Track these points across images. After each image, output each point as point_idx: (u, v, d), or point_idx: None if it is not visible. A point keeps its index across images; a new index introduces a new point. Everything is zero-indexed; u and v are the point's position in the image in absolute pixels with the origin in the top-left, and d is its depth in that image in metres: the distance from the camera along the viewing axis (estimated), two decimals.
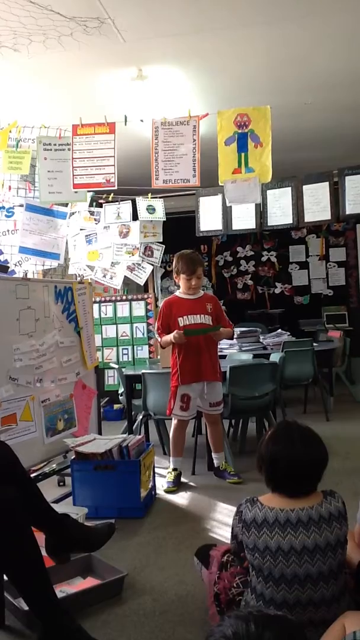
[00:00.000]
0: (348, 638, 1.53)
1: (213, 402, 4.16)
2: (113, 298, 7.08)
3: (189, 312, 4.13)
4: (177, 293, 4.30)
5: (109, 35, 3.75)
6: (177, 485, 4.12)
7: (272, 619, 1.01)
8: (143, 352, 6.96)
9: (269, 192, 5.23)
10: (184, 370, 4.08)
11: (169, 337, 4.06)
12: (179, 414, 4.16)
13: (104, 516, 3.30)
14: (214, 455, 4.32)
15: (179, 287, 4.28)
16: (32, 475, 3.46)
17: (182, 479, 4.24)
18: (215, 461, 4.31)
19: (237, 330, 6.13)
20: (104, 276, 5.74)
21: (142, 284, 6.31)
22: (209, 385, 4.12)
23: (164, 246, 5.83)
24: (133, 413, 5.12)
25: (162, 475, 4.28)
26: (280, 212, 5.24)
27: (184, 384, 4.09)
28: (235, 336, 6.04)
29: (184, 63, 4.34)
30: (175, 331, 4.02)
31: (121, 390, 5.47)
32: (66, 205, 4.80)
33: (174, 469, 4.23)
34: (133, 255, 5.67)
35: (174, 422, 4.24)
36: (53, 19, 3.47)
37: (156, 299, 7.42)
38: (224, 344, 5.76)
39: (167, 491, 4.05)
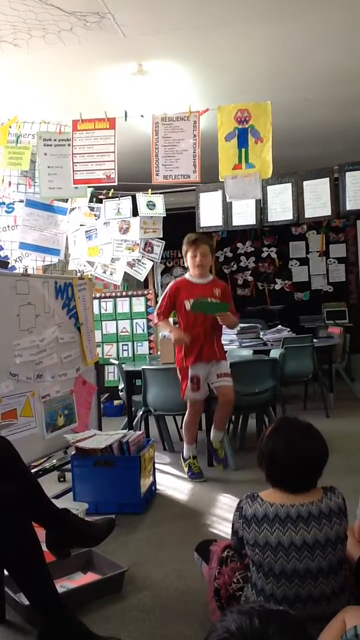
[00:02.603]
0: (349, 633, 1.53)
1: (220, 373, 4.14)
2: (113, 294, 7.08)
3: (196, 296, 4.13)
4: (187, 276, 4.31)
5: (109, 30, 3.74)
6: (203, 473, 4.17)
7: (275, 614, 1.01)
8: (143, 348, 6.97)
9: (269, 188, 5.22)
10: (188, 353, 4.10)
11: (169, 330, 4.08)
12: (191, 396, 4.14)
13: (104, 512, 3.30)
14: (212, 430, 4.30)
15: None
16: (33, 470, 3.46)
17: (183, 475, 4.25)
18: (211, 435, 4.30)
19: (239, 326, 6.12)
20: (104, 272, 5.74)
21: (142, 280, 6.31)
22: (216, 363, 4.15)
23: (164, 242, 5.83)
24: (133, 409, 5.12)
25: (163, 471, 4.29)
26: (280, 208, 5.23)
27: (190, 365, 4.10)
28: (235, 332, 6.03)
29: (184, 58, 4.33)
30: (180, 333, 4.04)
31: (121, 386, 5.47)
32: (66, 201, 4.79)
33: (194, 457, 4.23)
34: (133, 251, 5.66)
35: (188, 409, 4.21)
36: (53, 14, 3.46)
37: (156, 295, 7.41)
38: (224, 339, 5.76)
39: (200, 481, 4.10)
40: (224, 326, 4.31)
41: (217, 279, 4.39)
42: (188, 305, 4.11)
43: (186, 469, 4.23)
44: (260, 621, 0.96)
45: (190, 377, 4.11)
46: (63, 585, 2.55)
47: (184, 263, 4.31)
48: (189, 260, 4.21)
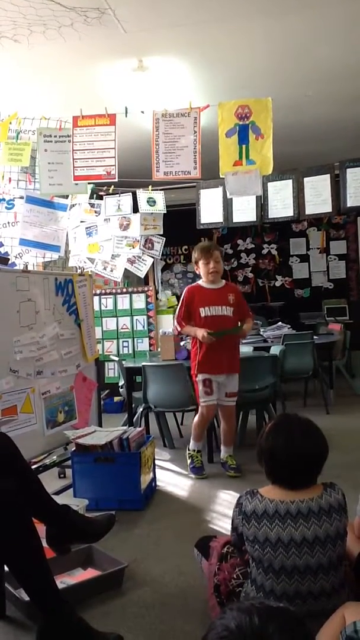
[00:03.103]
0: (348, 628, 1.53)
1: (229, 393, 4.18)
2: (113, 290, 7.08)
3: (211, 303, 4.14)
4: (200, 282, 4.32)
5: (109, 26, 3.73)
6: (204, 470, 4.19)
7: (275, 611, 1.00)
8: (143, 345, 6.97)
9: (270, 185, 5.22)
10: (204, 362, 4.10)
11: (194, 332, 4.10)
12: (205, 400, 4.15)
13: (104, 508, 3.31)
14: (222, 447, 4.33)
15: (180, 281, 4.28)
16: (33, 467, 3.47)
17: (183, 471, 4.26)
18: (221, 453, 4.32)
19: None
20: (105, 269, 5.73)
21: (142, 277, 6.30)
22: (228, 377, 4.16)
23: (164, 239, 5.82)
24: (133, 405, 5.13)
25: (163, 468, 4.29)
26: (281, 205, 5.23)
27: (202, 372, 4.11)
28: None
29: (184, 54, 4.31)
30: (203, 331, 4.02)
31: (121, 382, 5.48)
32: (66, 197, 4.79)
33: (198, 451, 4.26)
34: (133, 247, 5.66)
35: (200, 410, 4.22)
36: (53, 9, 3.45)
37: (156, 292, 7.41)
38: None
39: (200, 478, 4.11)
40: None
41: (230, 284, 4.42)
42: (203, 312, 4.13)
43: (189, 461, 4.24)
44: (260, 619, 0.96)
45: (202, 381, 4.13)
46: (63, 581, 2.55)
47: (184, 260, 4.31)
48: (201, 268, 4.22)
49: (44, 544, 2.22)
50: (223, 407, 4.24)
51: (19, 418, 3.31)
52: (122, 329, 7.04)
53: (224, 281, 4.32)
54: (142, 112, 3.90)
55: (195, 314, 4.15)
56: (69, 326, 3.97)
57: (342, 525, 1.91)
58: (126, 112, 3.89)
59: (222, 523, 3.25)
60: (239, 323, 4.16)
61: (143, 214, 5.54)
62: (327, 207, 5.00)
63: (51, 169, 4.12)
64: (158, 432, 5.06)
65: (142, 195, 5.54)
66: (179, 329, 4.28)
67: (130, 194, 5.49)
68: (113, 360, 6.35)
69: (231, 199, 5.20)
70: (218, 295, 4.18)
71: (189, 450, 4.30)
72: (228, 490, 3.83)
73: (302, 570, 1.87)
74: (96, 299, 6.73)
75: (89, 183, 4.43)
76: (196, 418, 4.28)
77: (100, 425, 4.26)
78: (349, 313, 8.86)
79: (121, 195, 5.47)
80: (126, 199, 5.46)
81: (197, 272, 4.33)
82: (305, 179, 5.09)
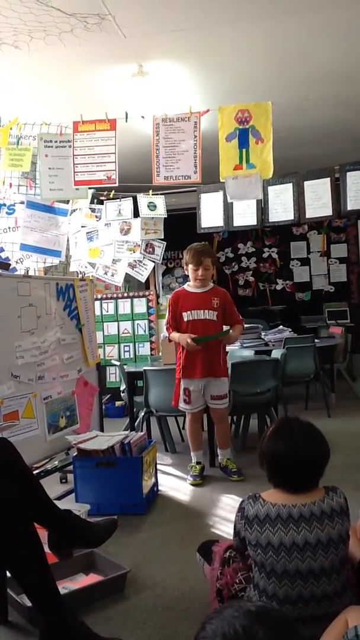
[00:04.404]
0: (350, 632, 1.53)
1: (214, 395, 4.14)
2: (114, 295, 7.08)
3: (194, 307, 4.13)
4: (186, 286, 4.31)
5: (109, 31, 3.75)
6: (201, 478, 4.15)
7: (258, 616, 0.96)
8: (145, 349, 6.97)
9: (270, 189, 5.22)
10: (187, 365, 4.10)
11: (178, 339, 4.10)
12: (182, 406, 4.19)
13: (106, 513, 3.29)
14: (218, 451, 4.31)
15: (181, 284, 4.29)
16: (34, 472, 3.46)
17: (185, 476, 4.25)
18: (219, 457, 4.30)
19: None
20: (105, 273, 5.74)
21: (143, 281, 6.31)
22: (212, 381, 4.13)
23: (165, 243, 5.83)
24: (135, 410, 5.12)
25: (165, 472, 4.29)
26: (281, 208, 5.23)
27: (185, 378, 4.11)
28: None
29: (184, 59, 4.33)
30: (187, 338, 4.01)
31: (123, 387, 5.48)
32: (67, 202, 4.80)
33: (197, 463, 4.25)
34: (134, 252, 5.67)
35: (187, 416, 4.27)
36: (53, 16, 3.47)
37: (157, 296, 7.42)
38: None
39: (193, 484, 4.08)
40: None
41: (217, 287, 4.34)
42: (186, 317, 4.12)
43: (190, 472, 4.24)
44: (247, 623, 0.93)
45: (182, 389, 4.15)
46: (65, 586, 2.55)
47: (183, 265, 4.30)
48: (190, 272, 4.19)
49: (46, 549, 2.22)
50: (212, 410, 4.23)
51: (20, 423, 3.31)
52: (123, 333, 7.04)
53: (211, 284, 4.28)
54: (143, 117, 3.91)
55: (181, 318, 4.15)
56: (70, 331, 3.97)
57: (344, 528, 1.91)
58: (126, 117, 3.90)
59: (225, 527, 3.24)
60: (222, 328, 4.16)
61: (144, 219, 5.55)
62: (327, 211, 5.00)
63: (52, 174, 4.13)
64: (160, 437, 5.05)
65: (143, 199, 5.55)
66: (167, 334, 4.29)
67: (131, 198, 5.50)
68: (114, 365, 6.36)
69: (232, 203, 5.20)
70: (201, 299, 4.16)
71: (191, 464, 4.28)
72: (230, 494, 3.82)
73: (304, 574, 1.86)
74: (97, 303, 6.74)
75: (89, 188, 4.44)
76: (187, 427, 4.32)
77: (101, 430, 4.26)
78: (350, 316, 8.86)
79: (122, 200, 5.48)
80: (127, 204, 5.47)
81: (186, 273, 4.31)
82: (306, 183, 5.09)
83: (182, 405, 4.18)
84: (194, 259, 4.13)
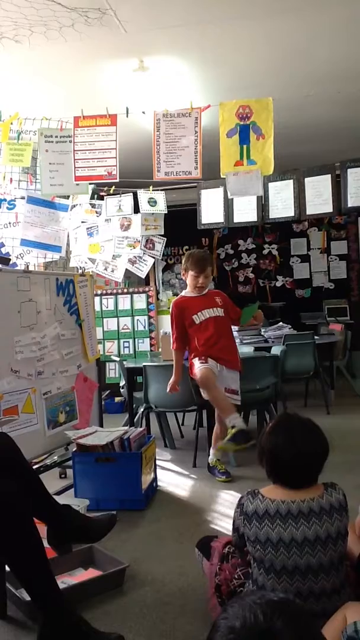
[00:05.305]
0: (349, 628, 1.54)
1: (229, 389, 4.10)
2: (114, 291, 7.08)
3: (201, 308, 4.15)
4: (184, 293, 4.31)
5: (110, 26, 3.73)
6: (243, 442, 3.88)
7: (280, 605, 0.96)
8: (144, 345, 6.97)
9: (271, 185, 5.22)
10: (201, 352, 4.06)
11: (175, 366, 4.21)
12: (199, 365, 3.99)
13: (105, 508, 3.31)
14: (210, 450, 4.23)
15: (181, 281, 4.27)
16: (34, 467, 3.47)
17: (184, 471, 4.25)
18: (209, 456, 4.22)
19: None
20: (105, 269, 5.74)
21: (143, 277, 6.30)
22: (229, 371, 4.12)
23: (165, 239, 5.83)
24: (134, 406, 5.13)
25: (164, 468, 4.29)
26: (281, 205, 5.23)
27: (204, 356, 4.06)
28: (236, 329, 6.03)
29: (185, 54, 4.32)
30: (177, 381, 4.19)
31: (122, 382, 5.48)
32: (67, 197, 4.79)
33: (232, 427, 3.89)
34: (134, 248, 5.66)
35: (198, 375, 3.98)
36: (54, 10, 3.46)
37: (157, 292, 7.41)
38: None
39: (233, 449, 3.97)
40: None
41: (211, 290, 4.35)
42: (197, 319, 4.12)
43: (215, 470, 4.14)
44: (265, 615, 0.93)
45: (199, 357, 4.02)
46: (64, 581, 2.55)
47: (182, 271, 4.28)
48: (189, 279, 4.19)
49: (45, 544, 2.23)
50: None
51: (20, 418, 3.32)
52: (123, 329, 7.04)
53: (206, 290, 4.28)
54: (143, 112, 3.90)
55: (191, 324, 4.13)
56: (70, 326, 3.97)
57: (343, 525, 1.91)
58: (127, 113, 3.89)
59: (223, 523, 3.25)
60: (230, 323, 4.25)
61: (144, 214, 5.54)
62: (328, 208, 5.00)
63: (52, 170, 4.12)
64: (159, 432, 5.06)
65: (143, 195, 5.54)
66: (167, 331, 4.31)
67: (131, 194, 5.49)
68: (114, 361, 6.36)
69: (232, 199, 5.20)
70: (206, 300, 4.19)
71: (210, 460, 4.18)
72: (229, 490, 3.83)
73: (303, 570, 1.87)
74: (97, 299, 6.74)
75: (90, 183, 4.44)
76: (207, 393, 4.02)
77: (101, 425, 4.26)
78: (349, 313, 8.85)
79: (122, 195, 5.47)
80: (127, 200, 5.47)
81: (184, 278, 4.29)
82: (306, 179, 5.09)
83: (198, 364, 3.98)
84: (197, 267, 4.13)
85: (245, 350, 5.68)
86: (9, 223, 4.56)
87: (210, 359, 4.06)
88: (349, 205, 4.89)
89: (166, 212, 5.61)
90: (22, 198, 4.52)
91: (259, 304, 4.21)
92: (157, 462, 4.09)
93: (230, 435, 3.91)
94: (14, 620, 2.39)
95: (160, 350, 5.78)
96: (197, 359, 4.07)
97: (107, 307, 7.07)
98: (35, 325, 3.52)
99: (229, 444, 3.92)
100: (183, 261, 4.26)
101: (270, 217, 5.33)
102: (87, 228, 5.50)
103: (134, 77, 4.55)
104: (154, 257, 5.91)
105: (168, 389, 4.22)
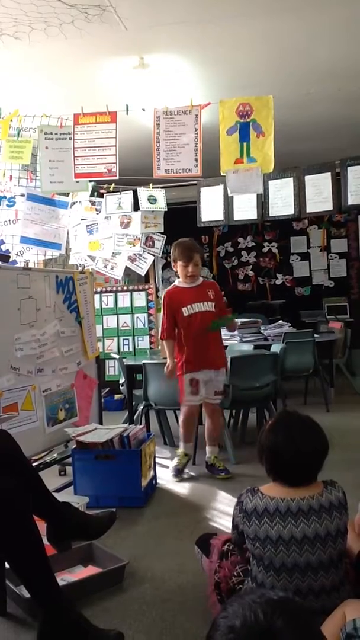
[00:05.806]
0: (348, 626, 1.54)
1: (218, 391, 4.15)
2: (114, 288, 7.07)
3: (192, 301, 4.12)
4: (177, 283, 4.29)
5: (110, 23, 3.73)
6: (183, 473, 4.13)
7: (279, 605, 0.96)
8: (144, 343, 6.97)
9: (271, 183, 5.21)
10: (189, 360, 4.09)
11: (168, 354, 4.19)
12: (189, 400, 4.13)
13: (104, 505, 3.30)
14: (207, 448, 4.24)
15: (179, 276, 4.26)
16: (33, 464, 3.47)
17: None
18: (207, 454, 4.23)
19: (238, 321, 6.12)
20: (105, 266, 5.73)
21: (143, 275, 6.30)
22: (216, 372, 4.14)
23: (165, 236, 5.82)
24: (134, 403, 5.13)
25: (164, 465, 4.29)
26: (281, 203, 5.22)
27: (191, 371, 4.09)
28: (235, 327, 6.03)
29: (185, 52, 4.31)
30: (168, 367, 4.15)
31: (122, 380, 5.48)
32: (67, 195, 4.78)
33: (186, 454, 4.19)
34: (134, 245, 5.65)
35: (183, 409, 4.20)
36: (54, 7, 3.45)
37: (157, 290, 7.41)
38: (224, 334, 5.76)
39: (177, 480, 4.05)
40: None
41: (206, 280, 4.36)
42: (186, 311, 4.10)
43: (175, 461, 4.19)
44: (265, 614, 0.93)
45: (188, 381, 4.10)
46: (64, 578, 2.56)
47: (172, 262, 4.28)
48: (179, 269, 4.17)
49: (45, 541, 2.23)
50: (208, 405, 4.18)
51: (19, 415, 3.32)
52: (122, 326, 7.04)
53: (201, 279, 4.27)
54: (143, 109, 3.90)
55: (179, 314, 4.12)
56: (70, 324, 3.97)
57: (342, 522, 1.91)
58: (127, 110, 3.89)
59: (223, 521, 3.25)
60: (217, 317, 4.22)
61: (144, 212, 5.53)
62: (328, 205, 4.99)
63: (52, 167, 4.12)
64: (158, 430, 5.06)
65: (143, 193, 5.53)
66: (160, 336, 4.33)
67: (131, 191, 5.49)
68: (114, 358, 6.36)
69: (232, 197, 5.18)
70: (198, 292, 4.16)
71: (178, 452, 4.24)
72: (229, 488, 3.83)
73: (302, 567, 1.87)
74: (97, 296, 6.73)
75: (89, 181, 4.43)
76: (181, 418, 4.25)
77: (100, 422, 4.26)
78: (349, 311, 8.86)
79: (122, 193, 5.47)
80: (127, 197, 5.46)
81: (175, 270, 4.28)
82: (307, 177, 5.08)
83: (189, 399, 4.12)
84: (184, 256, 4.11)
85: (245, 348, 5.68)
86: (9, 220, 4.55)
87: (203, 371, 4.09)
88: (349, 203, 4.88)
89: (166, 209, 5.61)
90: (22, 195, 4.51)
91: (236, 314, 4.28)
92: (157, 460, 4.09)
93: (182, 462, 4.16)
94: (14, 617, 2.39)
95: (159, 347, 5.78)
96: (188, 382, 4.10)
97: (106, 305, 7.07)
98: (35, 323, 3.52)
99: None
100: (171, 252, 4.24)
101: (270, 215, 5.32)
102: (87, 225, 5.49)
103: (134, 75, 4.54)
104: (153, 255, 5.90)
105: (166, 373, 4.18)
